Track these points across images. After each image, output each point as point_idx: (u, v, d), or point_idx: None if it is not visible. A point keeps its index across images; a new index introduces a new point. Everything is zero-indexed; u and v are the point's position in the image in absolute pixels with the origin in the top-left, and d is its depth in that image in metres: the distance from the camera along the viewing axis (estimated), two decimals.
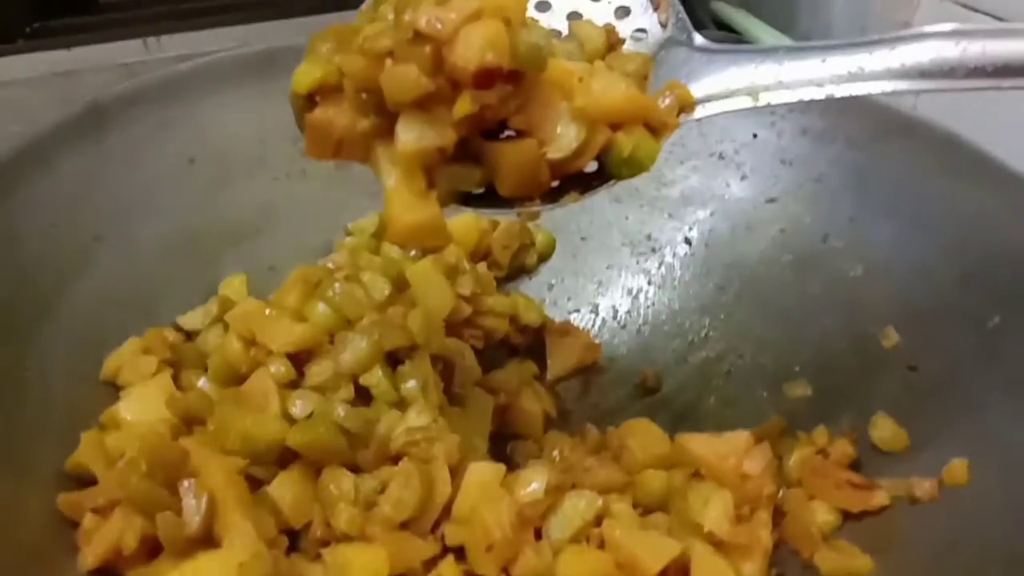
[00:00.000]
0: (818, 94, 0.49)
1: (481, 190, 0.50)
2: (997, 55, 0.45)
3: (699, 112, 0.50)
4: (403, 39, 0.43)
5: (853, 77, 0.48)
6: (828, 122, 0.72)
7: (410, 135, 0.46)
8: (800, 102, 0.69)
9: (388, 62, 0.44)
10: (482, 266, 0.74)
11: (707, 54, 0.51)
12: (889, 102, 0.72)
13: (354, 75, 0.46)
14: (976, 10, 1.01)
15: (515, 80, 0.45)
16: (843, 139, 0.72)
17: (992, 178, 0.64)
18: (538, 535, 0.55)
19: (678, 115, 0.50)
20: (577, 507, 0.55)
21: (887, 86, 0.48)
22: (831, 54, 0.49)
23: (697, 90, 0.50)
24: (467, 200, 0.50)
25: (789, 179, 0.73)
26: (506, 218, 0.76)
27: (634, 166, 0.49)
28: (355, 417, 0.54)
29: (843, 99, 0.69)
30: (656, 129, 0.50)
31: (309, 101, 0.49)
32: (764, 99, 0.50)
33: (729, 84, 0.50)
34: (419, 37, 0.43)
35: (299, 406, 0.54)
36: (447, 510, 0.55)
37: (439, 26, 0.43)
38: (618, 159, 0.49)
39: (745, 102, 0.50)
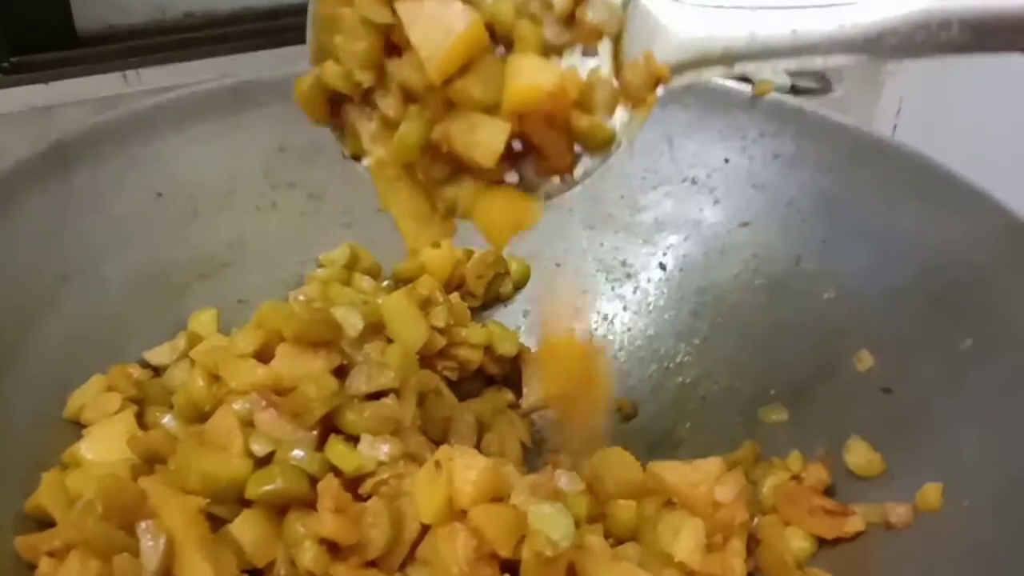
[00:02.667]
0: (791, 64, 0.46)
1: None
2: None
3: (676, 82, 0.48)
4: None
5: (830, 39, 0.46)
6: (799, 146, 0.72)
7: None
8: (770, 125, 0.72)
9: None
10: (456, 296, 0.74)
11: (678, 5, 0.48)
12: (859, 125, 0.72)
13: None
14: None
15: None
16: (814, 163, 0.72)
17: (963, 201, 0.64)
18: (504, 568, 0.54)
19: (654, 89, 0.49)
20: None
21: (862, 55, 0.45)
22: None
23: (671, 55, 0.48)
24: None
25: (761, 203, 0.73)
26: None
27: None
28: (318, 461, 0.54)
29: (814, 123, 0.72)
30: (635, 104, 0.49)
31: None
32: (740, 67, 0.48)
33: (704, 47, 0.48)
34: None
35: (259, 446, 0.54)
36: (416, 546, 0.54)
37: None
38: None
39: (720, 71, 0.48)
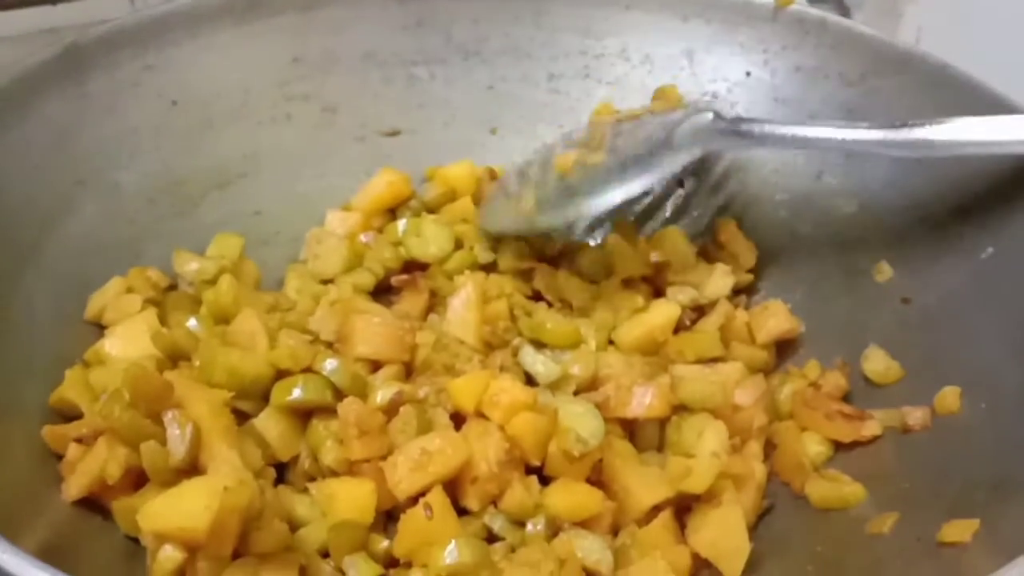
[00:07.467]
0: None
1: None
2: None
3: None
4: None
5: None
6: (821, 58, 0.71)
7: None
8: (792, 37, 0.71)
9: None
10: None
11: None
12: (882, 36, 0.71)
13: None
14: None
15: None
16: (836, 76, 0.71)
17: (988, 110, 0.63)
18: (530, 471, 0.54)
19: None
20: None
21: None
22: None
23: None
24: None
25: (783, 117, 0.72)
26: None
27: None
28: (349, 376, 0.54)
29: (836, 34, 0.71)
30: None
31: None
32: None
33: None
34: None
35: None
36: None
37: None
38: None
39: None
